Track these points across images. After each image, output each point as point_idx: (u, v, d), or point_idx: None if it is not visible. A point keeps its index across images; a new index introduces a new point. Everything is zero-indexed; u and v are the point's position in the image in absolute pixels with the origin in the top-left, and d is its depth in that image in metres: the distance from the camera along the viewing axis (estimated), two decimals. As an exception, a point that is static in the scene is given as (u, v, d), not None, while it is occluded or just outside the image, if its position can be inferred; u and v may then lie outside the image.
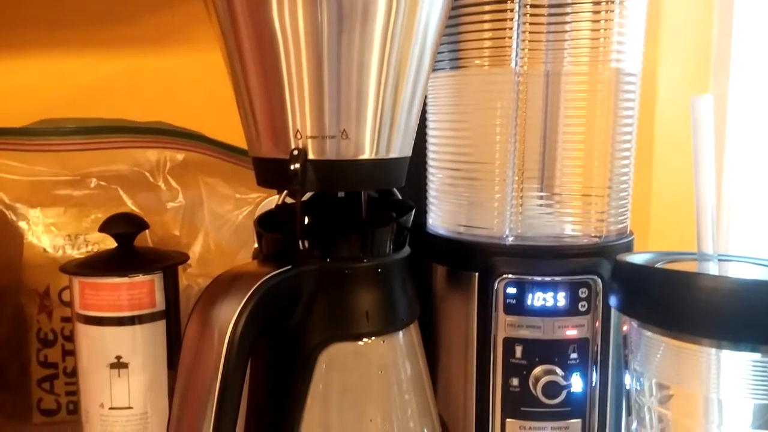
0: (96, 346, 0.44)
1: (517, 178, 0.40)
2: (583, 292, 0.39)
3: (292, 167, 0.33)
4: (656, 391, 0.34)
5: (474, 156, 0.42)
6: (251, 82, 0.34)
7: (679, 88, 0.62)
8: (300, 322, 0.34)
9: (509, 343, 0.39)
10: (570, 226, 0.41)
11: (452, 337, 0.41)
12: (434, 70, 0.42)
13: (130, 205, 0.62)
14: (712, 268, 0.33)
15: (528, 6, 0.38)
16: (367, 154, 0.34)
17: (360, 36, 0.32)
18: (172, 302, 0.45)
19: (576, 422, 0.39)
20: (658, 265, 0.34)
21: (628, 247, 0.41)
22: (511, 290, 0.39)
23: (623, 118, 0.41)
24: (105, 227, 0.45)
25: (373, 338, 0.35)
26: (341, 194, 0.44)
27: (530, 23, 0.39)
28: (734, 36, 0.60)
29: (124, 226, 0.45)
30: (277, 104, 0.33)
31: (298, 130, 0.33)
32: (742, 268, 0.35)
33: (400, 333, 0.36)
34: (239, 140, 0.64)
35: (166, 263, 0.45)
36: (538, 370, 0.39)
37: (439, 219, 0.44)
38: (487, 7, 0.39)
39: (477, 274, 0.40)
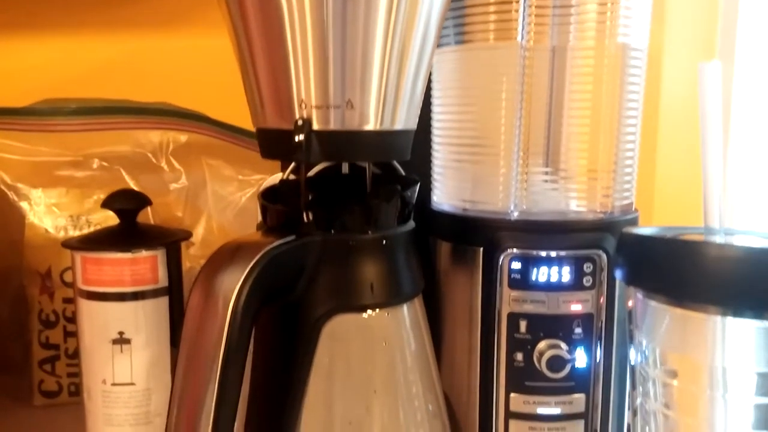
0: (98, 322, 0.43)
1: (522, 153, 0.40)
2: (587, 267, 0.39)
3: (296, 138, 0.33)
4: (660, 364, 0.33)
5: (479, 132, 0.41)
6: (256, 51, 0.33)
7: (685, 64, 0.61)
8: (304, 293, 0.34)
9: (513, 318, 0.39)
10: (575, 202, 0.41)
11: (457, 313, 0.41)
12: (439, 46, 0.41)
13: (133, 187, 0.62)
14: (719, 241, 0.33)
15: (534, -21, 0.38)
16: (372, 125, 0.34)
17: (365, 4, 0.32)
18: (175, 279, 0.45)
19: (580, 397, 0.39)
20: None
21: (633, 223, 0.41)
22: (516, 265, 0.39)
23: (629, 94, 0.40)
24: (107, 203, 0.45)
25: (377, 310, 0.35)
26: (345, 171, 0.44)
27: (537, -3, 0.38)
28: (740, 11, 0.59)
29: (127, 201, 0.45)
30: (282, 73, 0.33)
31: (302, 100, 0.33)
32: (749, 240, 0.35)
33: (405, 306, 0.36)
34: (242, 121, 0.64)
35: (169, 239, 0.45)
36: (542, 344, 0.38)
37: (444, 195, 0.44)
38: (493, -20, 0.39)
39: (482, 249, 0.39)
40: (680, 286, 0.30)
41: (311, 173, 0.43)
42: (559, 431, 0.39)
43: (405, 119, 0.35)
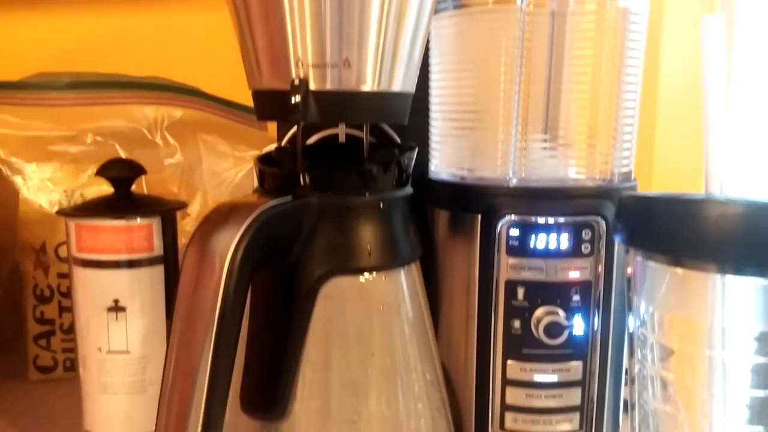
0: (93, 289, 0.43)
1: (521, 120, 0.40)
2: (586, 234, 0.38)
3: (293, 99, 0.32)
4: (659, 327, 0.33)
5: (477, 99, 0.41)
6: (252, 8, 0.33)
7: (685, 29, 0.61)
8: (301, 254, 0.33)
9: (511, 286, 0.39)
10: (574, 170, 0.40)
11: (454, 281, 0.41)
12: (438, 11, 0.41)
13: (128, 161, 0.61)
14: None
15: (534, -59, 0.38)
16: (369, 85, 0.33)
17: (363, -39, 0.31)
18: (171, 248, 0.45)
19: (577, 364, 0.39)
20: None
21: (632, 191, 0.41)
22: (514, 232, 0.38)
23: (629, 59, 0.40)
24: (102, 171, 0.44)
25: (374, 273, 0.34)
26: (342, 140, 0.44)
27: (536, -41, 0.38)
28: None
29: (122, 170, 0.44)
30: (278, 31, 0.32)
31: (299, 59, 0.32)
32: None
33: (402, 271, 0.36)
34: (238, 96, 0.64)
35: (164, 207, 0.44)
36: (540, 311, 0.38)
37: (442, 164, 0.43)
38: (492, -57, 0.38)
39: (479, 216, 0.39)
40: (680, 245, 0.30)
41: (309, 142, 0.43)
42: (555, 398, 0.39)
43: (402, 81, 0.35)
